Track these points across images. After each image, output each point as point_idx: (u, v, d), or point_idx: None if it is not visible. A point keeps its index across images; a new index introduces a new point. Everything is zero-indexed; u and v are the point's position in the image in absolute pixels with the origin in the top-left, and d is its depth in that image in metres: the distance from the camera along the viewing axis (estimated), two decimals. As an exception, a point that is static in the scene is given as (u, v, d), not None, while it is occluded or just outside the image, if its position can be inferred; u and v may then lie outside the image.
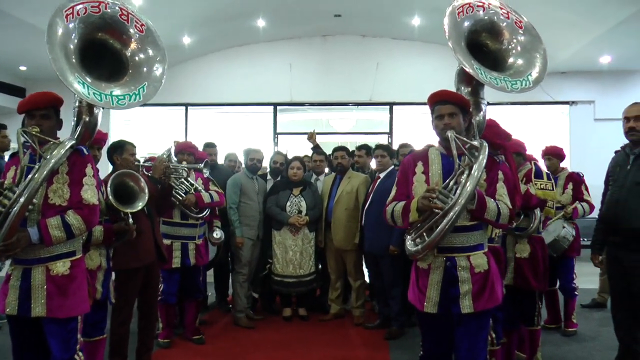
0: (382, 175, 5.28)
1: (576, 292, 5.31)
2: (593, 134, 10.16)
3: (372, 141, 11.48)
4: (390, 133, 11.02)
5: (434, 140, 3.12)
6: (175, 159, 4.75)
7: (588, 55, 9.32)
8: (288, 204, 5.52)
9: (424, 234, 2.80)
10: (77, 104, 3.05)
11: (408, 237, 2.96)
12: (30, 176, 2.64)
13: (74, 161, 2.84)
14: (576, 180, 5.33)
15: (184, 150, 4.92)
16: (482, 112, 3.17)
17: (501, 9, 3.17)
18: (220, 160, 6.56)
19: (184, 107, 11.18)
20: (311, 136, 6.65)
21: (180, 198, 4.69)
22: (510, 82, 3.00)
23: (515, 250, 4.01)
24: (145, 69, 3.07)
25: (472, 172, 2.72)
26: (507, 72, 3.09)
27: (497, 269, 2.98)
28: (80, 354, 2.87)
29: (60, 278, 2.76)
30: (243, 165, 6.45)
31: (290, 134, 11.29)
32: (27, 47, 9.06)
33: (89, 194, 2.83)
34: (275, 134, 11.16)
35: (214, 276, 6.24)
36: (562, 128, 10.71)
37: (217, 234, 5.15)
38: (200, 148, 5.72)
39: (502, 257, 3.63)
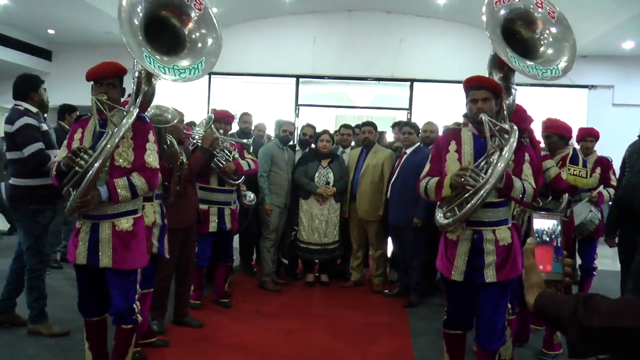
0: (408, 151, 5.52)
1: (594, 273, 5.44)
2: (611, 118, 10.30)
3: (391, 116, 11.78)
4: (409, 109, 11.22)
5: (453, 117, 3.33)
6: (213, 126, 4.96)
7: (611, 40, 9.43)
8: (316, 174, 5.78)
9: (455, 208, 3.06)
10: (136, 75, 3.30)
11: (439, 210, 3.22)
12: (104, 143, 2.92)
13: (138, 127, 3.11)
14: (605, 165, 5.38)
15: (222, 119, 5.13)
16: (512, 97, 3.38)
17: (536, 1, 3.36)
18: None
19: (207, 76, 11.37)
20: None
21: (222, 165, 4.88)
22: (541, 71, 3.21)
23: None
24: (200, 45, 3.32)
25: (503, 153, 2.96)
26: (538, 60, 3.29)
27: (519, 243, 3.25)
28: (138, 303, 3.19)
29: (124, 233, 3.06)
30: (273, 136, 6.71)
31: (311, 106, 11.52)
32: (56, 11, 9.32)
33: (152, 158, 3.12)
34: (297, 105, 11.37)
35: (239, 241, 6.54)
36: (580, 111, 10.86)
37: (250, 196, 5.43)
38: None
39: (520, 233, 3.86)
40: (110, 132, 2.96)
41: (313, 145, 6.18)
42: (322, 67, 11.02)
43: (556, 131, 4.10)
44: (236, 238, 6.49)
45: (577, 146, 5.34)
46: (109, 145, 2.89)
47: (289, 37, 11.03)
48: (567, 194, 4.15)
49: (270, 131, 7.09)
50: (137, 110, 3.12)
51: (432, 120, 6.12)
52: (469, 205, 2.96)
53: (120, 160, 3.05)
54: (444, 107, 10.42)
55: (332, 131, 6.73)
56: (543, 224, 1.41)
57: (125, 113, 3.04)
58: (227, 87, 11.59)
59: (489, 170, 2.96)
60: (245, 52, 11.09)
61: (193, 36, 3.35)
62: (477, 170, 3.00)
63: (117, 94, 3.18)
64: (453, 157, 3.22)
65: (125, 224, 3.08)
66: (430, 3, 10.04)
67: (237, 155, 5.07)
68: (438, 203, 3.26)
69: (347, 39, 10.99)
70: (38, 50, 11.28)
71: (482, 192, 2.92)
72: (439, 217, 3.19)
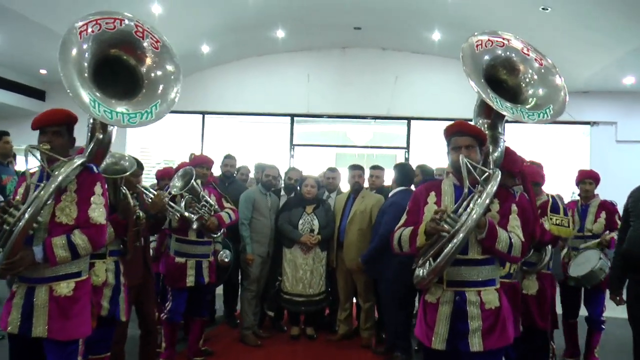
0: (390, 194, 5.23)
1: (603, 326, 4.95)
2: (615, 155, 10.02)
3: (390, 154, 11.44)
4: (407, 148, 10.94)
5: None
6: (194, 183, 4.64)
7: (611, 75, 9.19)
8: (300, 221, 5.45)
9: (430, 259, 2.72)
10: (91, 121, 3.01)
11: (416, 265, 2.88)
12: (35, 193, 2.62)
13: (83, 179, 2.81)
14: (609, 209, 4.98)
15: (202, 164, 4.83)
16: (499, 148, 3.09)
17: (522, 48, 3.16)
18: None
19: (200, 115, 11.21)
20: None
21: (204, 221, 4.59)
22: (526, 113, 2.93)
23: (523, 287, 3.83)
24: (161, 87, 3.03)
25: (482, 196, 2.64)
26: (525, 104, 3.02)
27: (508, 307, 2.89)
28: (80, 376, 2.83)
29: (63, 299, 2.72)
30: (252, 176, 6.46)
31: (307, 146, 11.27)
32: (48, 52, 9.13)
33: (97, 213, 2.80)
34: (292, 145, 11.13)
35: (223, 290, 6.20)
36: (582, 149, 10.55)
37: (227, 255, 5.04)
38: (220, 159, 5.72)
39: (519, 294, 3.52)
40: (44, 183, 2.66)
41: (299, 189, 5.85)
42: (316, 105, 10.78)
43: (530, 178, 3.77)
44: (220, 286, 6.17)
45: (577, 189, 5.02)
46: (41, 193, 2.58)
47: (282, 75, 10.83)
48: (549, 247, 3.82)
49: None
50: (83, 159, 2.82)
51: (429, 159, 5.82)
52: (443, 254, 2.61)
53: (62, 217, 2.74)
54: (442, 146, 10.11)
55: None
56: None
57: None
58: (221, 126, 11.38)
59: (465, 215, 2.64)
60: (238, 90, 10.92)
61: (152, 75, 3.05)
62: (454, 216, 2.67)
63: (64, 144, 2.89)
64: (432, 209, 2.87)
65: (65, 288, 2.74)
66: (426, 39, 9.84)
67: (216, 206, 4.77)
68: (415, 259, 2.92)
69: (342, 77, 10.77)
70: (31, 91, 11.12)
71: (457, 238, 2.58)
72: (417, 271, 2.85)
